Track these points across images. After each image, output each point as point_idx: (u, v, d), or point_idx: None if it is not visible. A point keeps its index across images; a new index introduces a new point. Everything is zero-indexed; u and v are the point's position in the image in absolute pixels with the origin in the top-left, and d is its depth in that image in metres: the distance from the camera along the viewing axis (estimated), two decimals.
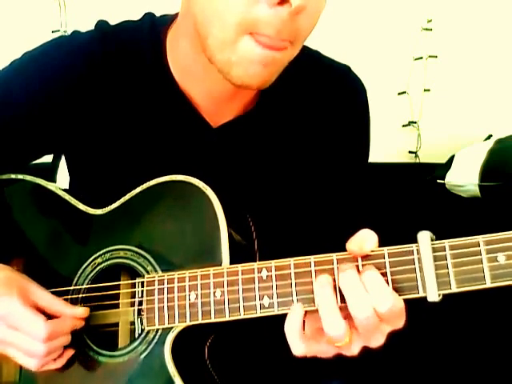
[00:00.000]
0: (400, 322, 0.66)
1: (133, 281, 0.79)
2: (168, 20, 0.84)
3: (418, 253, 0.63)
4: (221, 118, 0.84)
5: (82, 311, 0.79)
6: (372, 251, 0.65)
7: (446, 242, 0.62)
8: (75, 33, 0.85)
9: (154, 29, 0.83)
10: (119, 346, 0.79)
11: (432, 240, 0.63)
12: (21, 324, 0.74)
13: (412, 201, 1.65)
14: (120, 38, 0.83)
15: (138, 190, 0.81)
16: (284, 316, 0.68)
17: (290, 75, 0.82)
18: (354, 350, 0.67)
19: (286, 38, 0.68)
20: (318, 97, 0.87)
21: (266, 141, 0.86)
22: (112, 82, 0.82)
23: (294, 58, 0.74)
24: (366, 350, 0.67)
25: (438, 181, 1.63)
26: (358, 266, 0.65)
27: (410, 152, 1.82)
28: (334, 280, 0.66)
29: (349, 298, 0.64)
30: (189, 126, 0.84)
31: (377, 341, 0.66)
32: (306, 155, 0.88)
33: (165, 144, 0.84)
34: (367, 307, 0.63)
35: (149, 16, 0.86)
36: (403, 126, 1.81)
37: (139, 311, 0.78)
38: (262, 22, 0.66)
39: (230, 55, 0.70)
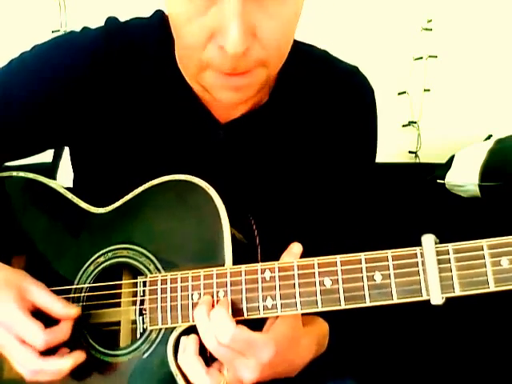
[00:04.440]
0: (264, 355, 0.69)
1: (134, 280, 0.80)
2: None
3: (422, 256, 0.63)
4: (229, 114, 0.83)
5: (75, 312, 0.79)
6: (376, 254, 0.65)
7: (450, 246, 0.63)
8: (85, 29, 0.85)
9: (163, 25, 0.82)
10: (121, 345, 0.80)
11: (436, 243, 0.63)
12: (18, 332, 0.75)
13: (412, 201, 1.65)
14: (126, 35, 0.83)
15: (141, 189, 0.81)
16: None
17: (298, 74, 0.83)
18: (233, 381, 0.72)
19: (244, 70, 0.68)
20: (326, 96, 0.87)
21: (273, 139, 0.86)
22: (117, 78, 0.82)
23: (302, 58, 0.75)
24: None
25: (438, 181, 1.63)
26: (213, 302, 0.72)
27: (409, 152, 1.82)
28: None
29: (199, 330, 0.71)
30: (197, 121, 0.84)
31: (244, 373, 0.70)
32: (312, 155, 0.87)
33: (172, 140, 0.84)
34: (211, 338, 0.69)
35: (158, 13, 0.86)
36: (403, 126, 1.81)
37: (141, 310, 0.78)
38: (215, 62, 0.67)
39: (203, 83, 0.73)
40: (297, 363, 0.77)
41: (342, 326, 0.86)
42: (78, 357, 0.77)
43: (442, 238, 0.64)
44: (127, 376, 0.78)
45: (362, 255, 0.66)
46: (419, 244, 0.64)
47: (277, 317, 0.71)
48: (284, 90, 0.84)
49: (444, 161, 1.67)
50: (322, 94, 0.87)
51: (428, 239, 0.63)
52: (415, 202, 1.64)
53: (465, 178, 1.56)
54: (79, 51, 0.81)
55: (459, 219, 1.54)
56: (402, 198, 1.64)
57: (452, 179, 1.60)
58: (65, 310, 0.78)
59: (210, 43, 0.67)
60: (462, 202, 1.58)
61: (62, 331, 0.77)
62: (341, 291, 0.66)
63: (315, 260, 0.68)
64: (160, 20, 0.84)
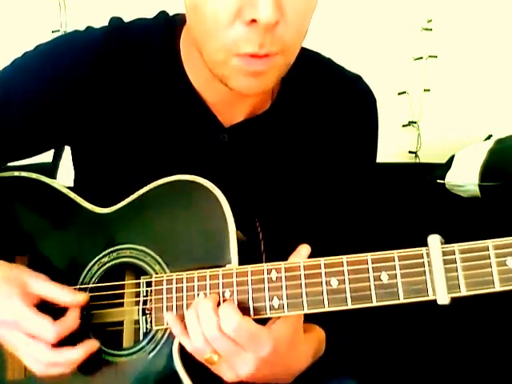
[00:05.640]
0: (263, 350, 0.69)
1: (138, 280, 0.80)
2: (182, 19, 0.83)
3: (428, 256, 0.64)
4: (233, 117, 0.84)
5: (83, 297, 0.79)
6: (383, 254, 0.66)
7: (456, 246, 0.63)
8: (88, 29, 0.85)
9: (168, 26, 0.83)
10: (124, 345, 0.80)
11: (442, 244, 0.63)
12: (28, 328, 0.75)
13: (412, 201, 1.65)
14: (128, 34, 0.83)
15: (146, 189, 0.81)
16: None
17: (302, 81, 0.84)
18: (228, 375, 0.72)
19: (269, 50, 0.69)
20: (328, 104, 0.88)
21: (276, 142, 0.86)
22: (118, 77, 0.82)
23: (306, 64, 0.75)
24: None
25: (438, 181, 1.63)
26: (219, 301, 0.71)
27: (409, 152, 1.82)
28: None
29: (202, 320, 0.70)
30: (201, 124, 0.84)
31: (241, 367, 0.70)
32: (315, 158, 0.88)
33: (175, 141, 0.84)
34: (213, 328, 0.69)
35: (163, 14, 0.86)
36: (403, 126, 1.81)
37: (144, 310, 0.78)
38: (242, 40, 0.68)
39: (222, 71, 0.72)
40: (294, 368, 0.77)
41: (343, 325, 0.86)
42: (90, 346, 0.77)
43: (443, 238, 0.64)
44: (132, 375, 0.78)
45: (369, 255, 0.67)
46: (420, 244, 0.65)
47: (279, 317, 0.72)
48: (287, 95, 0.85)
49: (444, 161, 1.67)
50: (325, 99, 0.88)
51: (434, 240, 0.63)
52: (415, 202, 1.64)
53: (465, 178, 1.56)
54: (80, 50, 0.81)
55: (459, 219, 1.54)
56: (402, 198, 1.65)
57: (452, 179, 1.60)
58: (72, 297, 0.78)
59: (236, 20, 0.67)
60: (462, 202, 1.59)
61: (71, 320, 0.77)
62: (347, 291, 0.66)
63: (322, 260, 0.69)
64: (164, 20, 0.85)
